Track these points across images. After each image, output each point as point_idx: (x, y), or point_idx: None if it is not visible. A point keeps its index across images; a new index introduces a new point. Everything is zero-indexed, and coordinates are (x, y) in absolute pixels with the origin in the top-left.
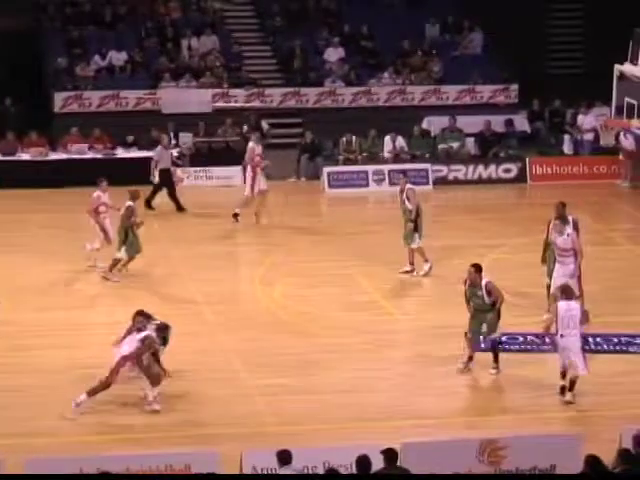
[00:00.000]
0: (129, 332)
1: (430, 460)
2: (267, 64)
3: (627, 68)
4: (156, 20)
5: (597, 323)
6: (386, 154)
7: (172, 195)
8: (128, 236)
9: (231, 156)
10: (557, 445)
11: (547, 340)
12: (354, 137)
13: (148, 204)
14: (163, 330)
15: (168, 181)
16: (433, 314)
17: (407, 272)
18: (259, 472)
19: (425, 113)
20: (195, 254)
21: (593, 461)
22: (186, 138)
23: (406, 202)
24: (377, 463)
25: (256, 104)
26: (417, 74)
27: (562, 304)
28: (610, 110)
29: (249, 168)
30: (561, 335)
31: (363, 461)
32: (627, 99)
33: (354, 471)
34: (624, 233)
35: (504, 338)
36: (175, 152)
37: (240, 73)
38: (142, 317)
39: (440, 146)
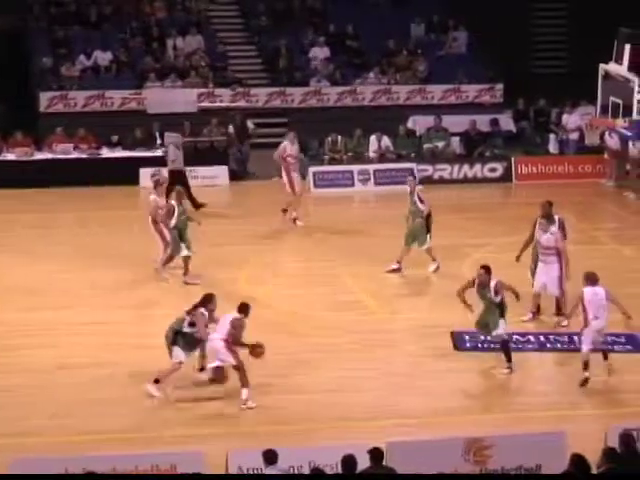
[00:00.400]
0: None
1: (416, 459)
2: (252, 64)
3: (612, 67)
4: (141, 20)
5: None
6: (371, 154)
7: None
8: (182, 234)
9: (216, 156)
10: (542, 444)
11: (532, 339)
12: (339, 137)
13: (195, 205)
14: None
15: (179, 182)
16: (420, 313)
17: (394, 270)
18: (245, 472)
19: (410, 112)
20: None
21: (578, 460)
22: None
23: (418, 203)
24: (363, 463)
25: (241, 104)
26: (402, 73)
27: (588, 290)
28: (595, 109)
29: (282, 169)
30: (595, 317)
31: (349, 461)
32: (612, 98)
33: (340, 471)
34: (609, 232)
35: (488, 337)
36: (160, 152)
37: (225, 73)
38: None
39: (425, 145)
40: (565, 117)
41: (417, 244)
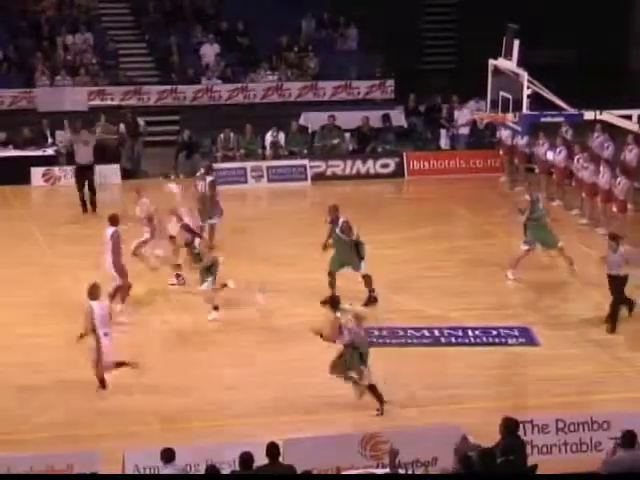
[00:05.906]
0: None
1: (313, 456)
2: (143, 62)
3: (501, 63)
4: (31, 18)
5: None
6: (268, 150)
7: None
8: None
9: (108, 154)
10: (438, 438)
11: (426, 334)
12: (232, 134)
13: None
14: None
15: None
16: (304, 309)
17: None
18: (141, 471)
19: (302, 109)
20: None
21: (483, 451)
22: (62, 137)
23: None
24: (261, 460)
25: (133, 102)
26: (294, 70)
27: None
28: (485, 104)
29: None
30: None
31: (246, 458)
32: (502, 93)
33: (237, 468)
34: (501, 226)
35: (384, 332)
36: (51, 151)
37: (116, 71)
38: None
39: (319, 144)
40: (456, 112)
41: None
